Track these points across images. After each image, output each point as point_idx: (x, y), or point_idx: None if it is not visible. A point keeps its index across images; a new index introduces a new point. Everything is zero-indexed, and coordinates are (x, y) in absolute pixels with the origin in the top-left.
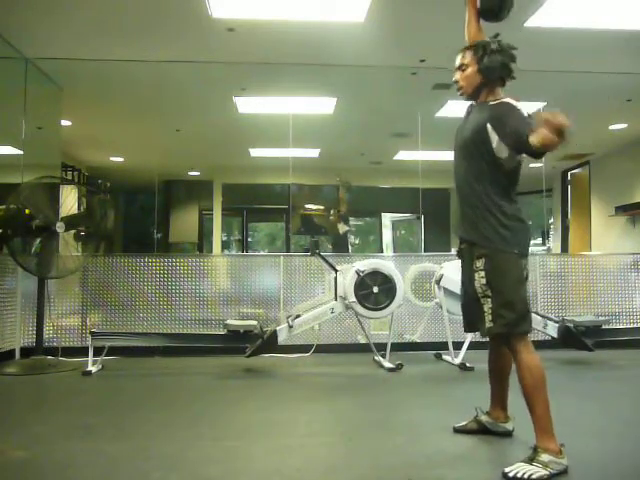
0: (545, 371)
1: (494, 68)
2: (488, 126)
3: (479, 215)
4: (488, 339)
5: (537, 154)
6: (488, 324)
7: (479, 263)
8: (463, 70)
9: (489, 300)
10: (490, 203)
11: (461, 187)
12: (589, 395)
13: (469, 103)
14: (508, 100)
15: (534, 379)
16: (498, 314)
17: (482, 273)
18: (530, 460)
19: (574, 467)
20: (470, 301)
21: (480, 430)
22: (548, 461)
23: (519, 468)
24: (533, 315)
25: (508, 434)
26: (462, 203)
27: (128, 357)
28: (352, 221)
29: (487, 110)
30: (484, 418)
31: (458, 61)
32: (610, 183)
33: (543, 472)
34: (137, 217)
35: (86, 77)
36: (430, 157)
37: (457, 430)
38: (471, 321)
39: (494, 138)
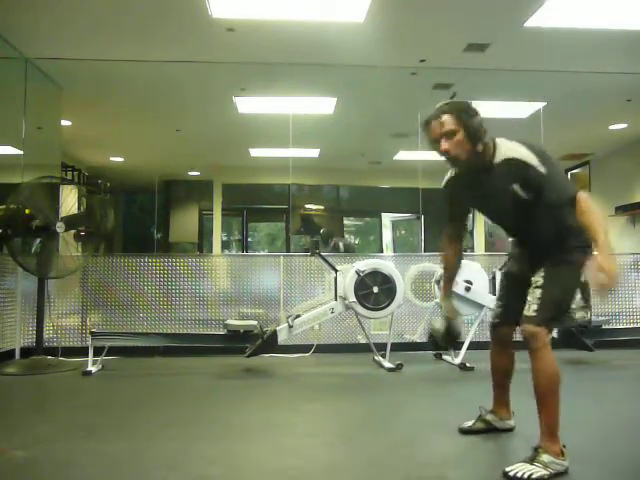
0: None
1: (479, 130)
2: (515, 187)
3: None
4: (492, 338)
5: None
6: (531, 313)
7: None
8: (449, 138)
9: (539, 291)
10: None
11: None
12: (589, 395)
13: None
14: (517, 155)
15: (551, 380)
16: (541, 308)
17: (542, 273)
18: (531, 460)
19: (574, 467)
20: (517, 289)
21: (487, 429)
22: (548, 462)
23: (519, 468)
24: None
25: (511, 430)
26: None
27: (128, 357)
28: (352, 221)
29: (508, 170)
30: (490, 417)
31: (437, 129)
32: (610, 183)
33: (543, 472)
34: (137, 217)
35: (86, 77)
36: (430, 157)
37: (464, 431)
38: (509, 311)
39: (522, 193)
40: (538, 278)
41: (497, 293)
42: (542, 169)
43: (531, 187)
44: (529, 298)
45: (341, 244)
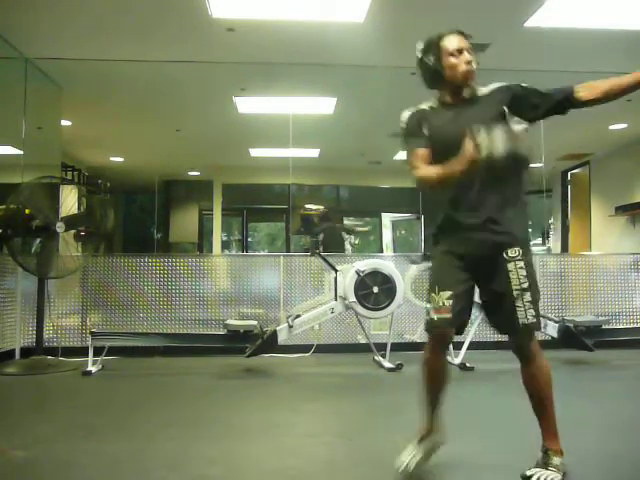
0: None
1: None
2: (504, 108)
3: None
4: (435, 340)
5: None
6: (531, 319)
7: (514, 253)
8: (471, 53)
9: (527, 294)
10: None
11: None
12: (589, 395)
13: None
14: (504, 83)
15: (549, 379)
16: (535, 309)
17: (521, 264)
18: (546, 465)
19: (574, 467)
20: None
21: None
22: (560, 464)
23: (540, 473)
24: None
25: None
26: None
27: (128, 357)
28: (352, 221)
29: (495, 97)
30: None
31: (462, 43)
32: (610, 183)
33: (560, 476)
34: (137, 217)
35: (86, 77)
36: None
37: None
38: (463, 308)
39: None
40: (521, 277)
41: (434, 278)
42: (526, 84)
43: (522, 106)
44: (518, 303)
45: (321, 236)
